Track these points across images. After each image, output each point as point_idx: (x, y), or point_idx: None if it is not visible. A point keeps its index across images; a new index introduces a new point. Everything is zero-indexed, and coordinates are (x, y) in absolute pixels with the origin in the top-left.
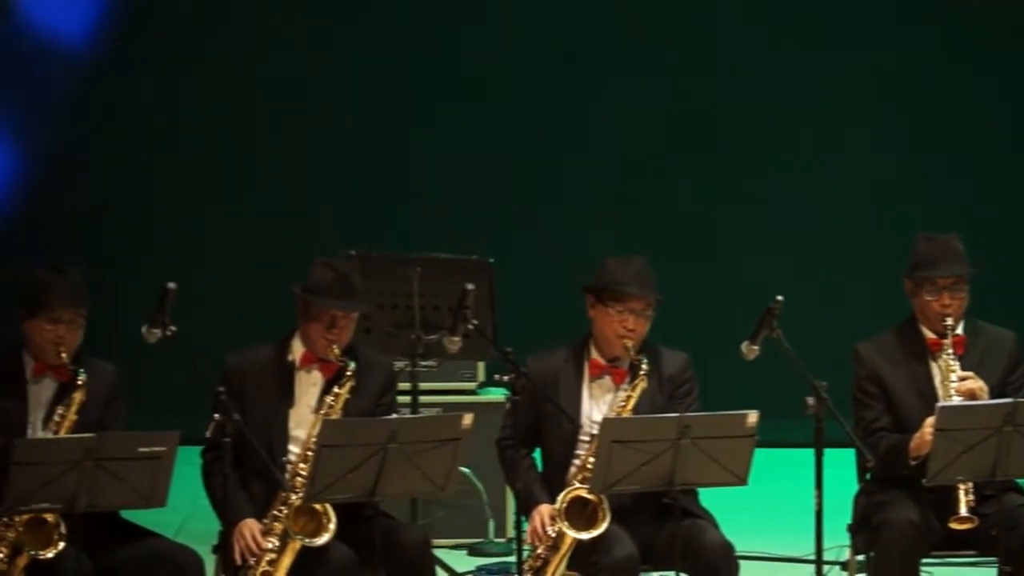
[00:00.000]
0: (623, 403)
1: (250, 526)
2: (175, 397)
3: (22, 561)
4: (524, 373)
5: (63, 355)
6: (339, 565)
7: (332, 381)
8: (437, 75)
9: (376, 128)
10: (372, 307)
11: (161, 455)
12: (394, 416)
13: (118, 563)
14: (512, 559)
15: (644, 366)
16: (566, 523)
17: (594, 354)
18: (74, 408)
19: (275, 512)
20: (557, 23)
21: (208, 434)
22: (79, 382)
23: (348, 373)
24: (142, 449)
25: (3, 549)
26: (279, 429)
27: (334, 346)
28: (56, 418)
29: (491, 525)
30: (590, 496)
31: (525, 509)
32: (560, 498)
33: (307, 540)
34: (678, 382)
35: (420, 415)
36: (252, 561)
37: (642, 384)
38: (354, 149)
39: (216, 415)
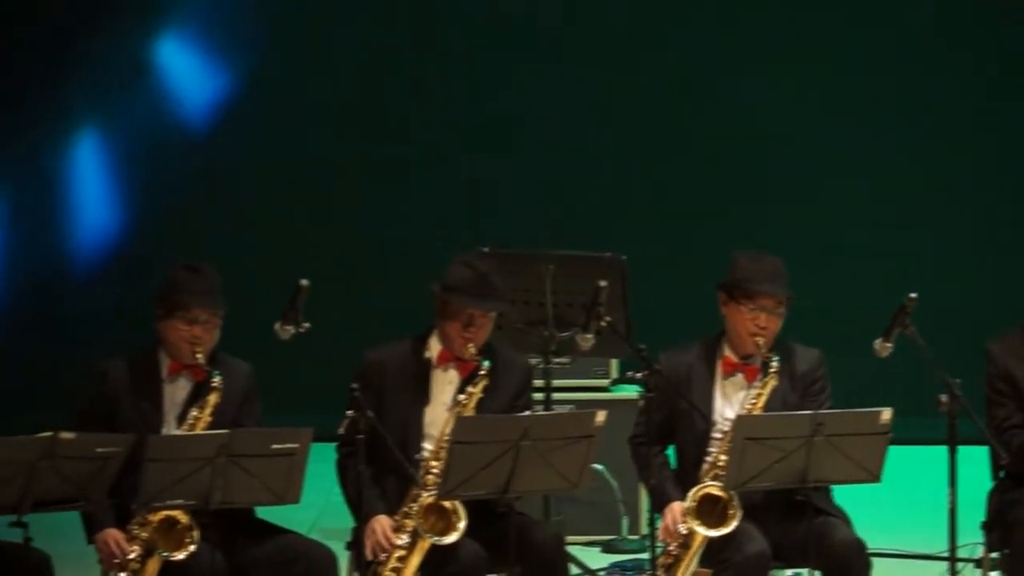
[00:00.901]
0: (754, 400)
1: (382, 522)
2: (308, 393)
3: (154, 565)
4: (657, 370)
5: (199, 355)
6: (469, 563)
7: (468, 380)
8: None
9: (508, 123)
10: (509, 306)
11: (294, 452)
12: (527, 413)
13: (252, 560)
14: (646, 556)
15: (774, 364)
16: (696, 521)
17: (726, 351)
18: (208, 410)
19: (406, 509)
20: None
21: (341, 430)
22: (214, 384)
23: (482, 372)
24: (275, 446)
25: (136, 548)
26: (414, 426)
27: (471, 345)
28: (190, 420)
29: (624, 522)
30: (721, 493)
31: (658, 506)
32: (690, 496)
33: (437, 538)
34: (810, 379)
35: (553, 412)
36: (383, 557)
37: (772, 382)
38: (481, 145)
39: (349, 411)
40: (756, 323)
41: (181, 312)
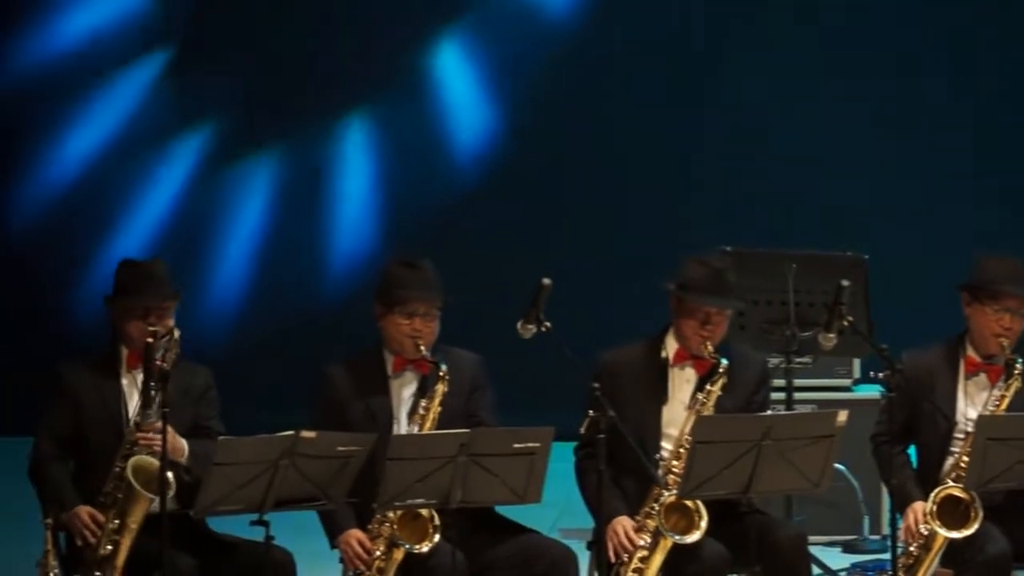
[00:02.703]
0: (997, 402)
1: (624, 523)
2: (549, 393)
3: (398, 555)
4: (899, 369)
5: (421, 348)
6: (712, 562)
7: (705, 378)
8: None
9: (753, 124)
10: (745, 304)
11: (535, 451)
12: (769, 413)
13: (492, 559)
14: (887, 556)
15: (1019, 365)
16: (937, 522)
17: (969, 351)
18: (437, 400)
19: (648, 509)
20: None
21: (582, 430)
22: (440, 374)
23: (721, 370)
24: (516, 445)
25: (380, 545)
26: (652, 426)
27: (708, 342)
28: (420, 411)
29: (866, 522)
30: (963, 495)
31: (899, 506)
32: (932, 497)
33: (679, 537)
34: None
35: (795, 412)
36: (625, 558)
37: (1016, 383)
38: (721, 144)
39: (590, 411)
40: (1000, 324)
41: (399, 307)
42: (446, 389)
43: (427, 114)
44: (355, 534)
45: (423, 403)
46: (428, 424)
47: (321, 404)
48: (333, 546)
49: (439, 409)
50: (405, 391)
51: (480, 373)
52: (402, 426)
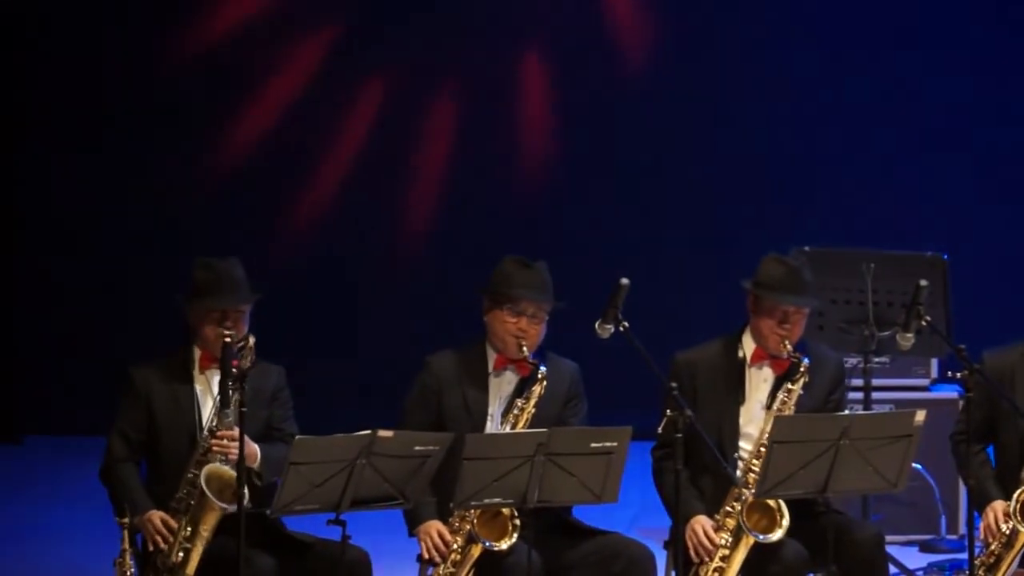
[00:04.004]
0: None
1: (703, 522)
2: (626, 392)
3: (476, 550)
4: (977, 369)
5: (524, 349)
6: (793, 562)
7: (782, 377)
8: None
9: (832, 123)
10: (824, 302)
11: (613, 450)
12: (846, 412)
13: (570, 560)
14: (964, 556)
15: None
16: (1021, 521)
17: None
18: (533, 400)
19: (728, 508)
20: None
21: (660, 430)
22: (540, 376)
23: (802, 369)
24: (594, 444)
25: (458, 539)
26: (729, 426)
27: (787, 341)
28: (515, 410)
29: (943, 522)
30: None
31: (978, 505)
32: (1016, 496)
33: (762, 537)
34: None
35: (872, 411)
36: (706, 558)
37: None
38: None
39: (668, 411)
40: None
41: (509, 304)
42: (543, 392)
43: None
44: (436, 525)
45: (519, 402)
46: (522, 423)
47: (419, 391)
48: (411, 534)
49: (533, 411)
50: (503, 390)
51: (577, 382)
52: (495, 423)
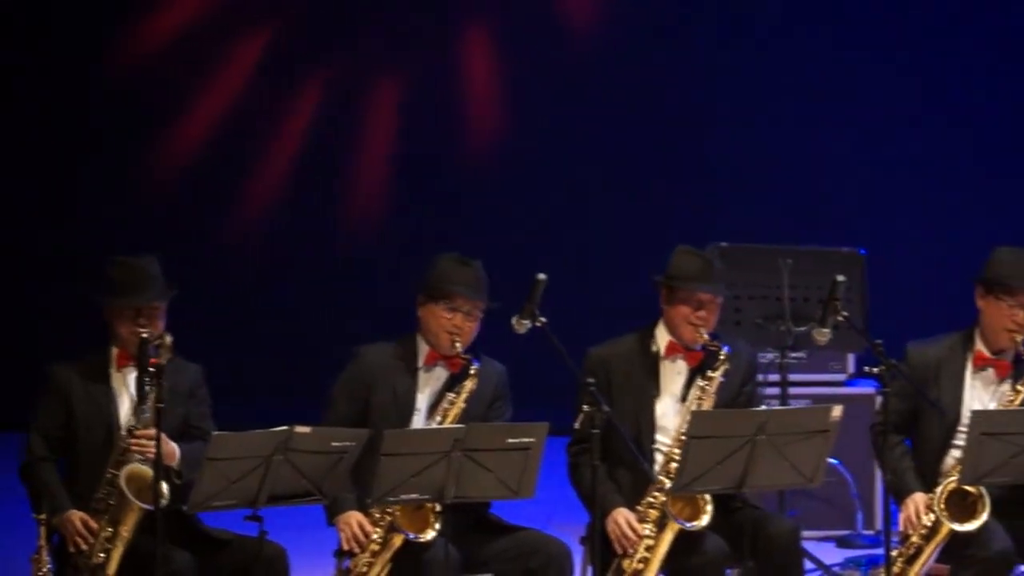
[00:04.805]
0: (1011, 397)
1: (625, 515)
2: (542, 388)
3: (396, 541)
4: (894, 364)
5: (457, 345)
6: (714, 555)
7: (696, 370)
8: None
9: (754, 120)
10: (732, 293)
11: (530, 446)
12: (763, 408)
13: (488, 554)
14: (880, 551)
15: None
16: (946, 514)
17: (979, 345)
18: (464, 395)
19: (649, 500)
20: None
21: (577, 425)
22: (472, 371)
23: (722, 356)
24: (511, 440)
25: (379, 530)
26: (645, 419)
27: (702, 330)
28: (445, 404)
29: (859, 517)
30: (971, 489)
31: (898, 496)
32: (940, 489)
33: (690, 525)
34: None
35: (789, 407)
36: (630, 549)
37: None
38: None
39: (584, 406)
40: (1014, 319)
41: (445, 300)
42: (474, 387)
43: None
44: (356, 515)
45: (450, 396)
46: (451, 418)
47: (348, 380)
48: (331, 523)
49: (464, 406)
50: (432, 385)
51: (504, 384)
52: (421, 418)
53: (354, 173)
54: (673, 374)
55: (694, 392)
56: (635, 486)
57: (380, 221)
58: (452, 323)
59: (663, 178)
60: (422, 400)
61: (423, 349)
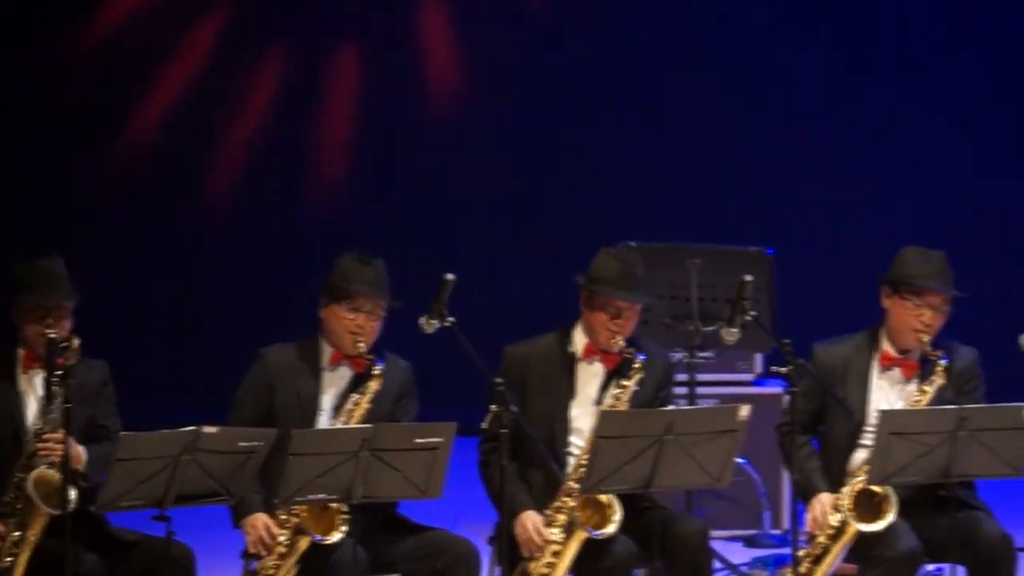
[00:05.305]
0: (918, 397)
1: (532, 518)
2: (452, 388)
3: (303, 543)
4: (802, 364)
5: (360, 345)
6: (622, 557)
7: (613, 373)
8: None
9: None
10: (653, 298)
11: (438, 446)
12: (671, 407)
13: (396, 554)
14: (788, 550)
15: (942, 363)
16: (853, 514)
17: (885, 345)
18: (368, 396)
19: (558, 504)
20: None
21: (484, 425)
22: (375, 372)
23: (636, 365)
24: (419, 440)
25: (285, 532)
26: (560, 421)
27: (618, 337)
28: (350, 405)
29: (767, 517)
30: (878, 489)
31: (804, 497)
32: (847, 489)
33: (598, 533)
34: (967, 377)
35: (697, 407)
36: (536, 553)
37: (939, 380)
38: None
39: (493, 406)
40: (920, 319)
41: (347, 300)
42: (379, 388)
43: None
44: (262, 518)
45: (354, 397)
46: (356, 419)
47: (252, 382)
48: (237, 526)
49: (369, 407)
50: (336, 385)
51: (410, 382)
52: (326, 418)
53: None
54: (589, 376)
55: (608, 400)
56: (546, 487)
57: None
58: (355, 323)
59: (577, 176)
60: (327, 400)
61: (326, 349)
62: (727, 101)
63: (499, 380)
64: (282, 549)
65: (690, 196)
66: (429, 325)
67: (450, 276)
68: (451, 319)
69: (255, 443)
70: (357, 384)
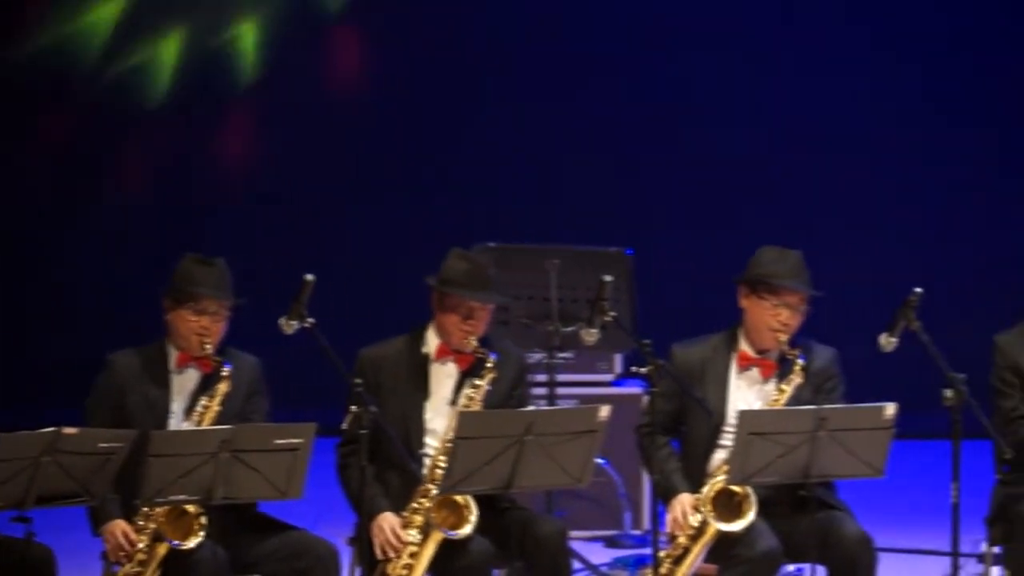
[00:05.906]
0: (776, 397)
1: (389, 520)
2: (311, 389)
3: (161, 549)
4: (661, 364)
5: (207, 346)
6: (478, 557)
7: (467, 373)
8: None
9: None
10: (508, 299)
11: (298, 447)
12: (531, 408)
13: (256, 555)
14: (648, 551)
15: (800, 362)
16: (712, 514)
17: (743, 346)
18: (218, 399)
19: (415, 505)
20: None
21: (344, 426)
22: (224, 374)
23: (489, 365)
24: (278, 441)
25: (143, 538)
26: (415, 421)
27: (471, 337)
28: (200, 408)
29: (627, 517)
30: (738, 489)
31: (664, 497)
32: (707, 489)
33: (451, 532)
34: (824, 377)
35: (557, 407)
36: (393, 555)
37: (797, 379)
38: (485, 139)
39: (352, 407)
40: (778, 319)
41: (191, 303)
42: (228, 389)
43: None
44: (120, 525)
45: (203, 400)
46: (207, 421)
47: (101, 390)
48: (96, 534)
49: (219, 409)
50: (185, 387)
51: (259, 378)
52: (177, 421)
53: None
54: (443, 377)
55: (461, 400)
56: (404, 489)
57: None
58: (200, 325)
59: (434, 177)
60: (176, 403)
61: (172, 352)
62: (577, 100)
63: (358, 381)
64: (142, 556)
65: (550, 196)
66: (288, 326)
67: (310, 277)
68: (311, 320)
69: (115, 444)
70: (206, 385)
